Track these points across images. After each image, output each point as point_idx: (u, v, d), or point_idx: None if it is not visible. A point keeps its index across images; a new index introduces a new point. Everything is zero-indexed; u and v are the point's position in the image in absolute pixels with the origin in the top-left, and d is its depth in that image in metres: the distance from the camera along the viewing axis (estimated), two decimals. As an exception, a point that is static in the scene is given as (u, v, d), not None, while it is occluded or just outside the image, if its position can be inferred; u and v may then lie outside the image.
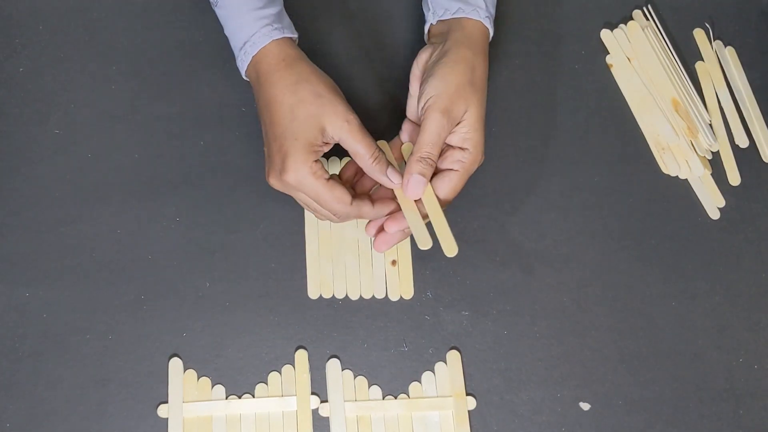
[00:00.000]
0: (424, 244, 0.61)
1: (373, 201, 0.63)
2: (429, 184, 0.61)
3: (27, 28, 0.74)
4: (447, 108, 0.61)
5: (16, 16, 0.75)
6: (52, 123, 0.71)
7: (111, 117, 0.72)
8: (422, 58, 0.66)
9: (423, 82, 0.63)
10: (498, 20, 0.72)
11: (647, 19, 0.77)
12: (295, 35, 0.66)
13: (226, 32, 0.66)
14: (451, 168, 0.62)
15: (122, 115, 0.72)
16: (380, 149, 0.61)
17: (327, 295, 0.68)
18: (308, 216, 0.70)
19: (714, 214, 0.72)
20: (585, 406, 0.66)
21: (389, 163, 0.62)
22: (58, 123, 0.71)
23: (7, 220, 0.68)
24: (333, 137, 0.61)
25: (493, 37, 0.69)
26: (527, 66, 0.75)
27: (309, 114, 0.60)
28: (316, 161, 0.60)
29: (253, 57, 0.63)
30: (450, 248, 0.61)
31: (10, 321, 0.66)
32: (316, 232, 0.69)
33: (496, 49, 0.75)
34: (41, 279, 0.67)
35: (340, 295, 0.68)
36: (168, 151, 0.71)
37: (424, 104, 0.62)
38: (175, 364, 0.65)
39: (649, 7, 0.77)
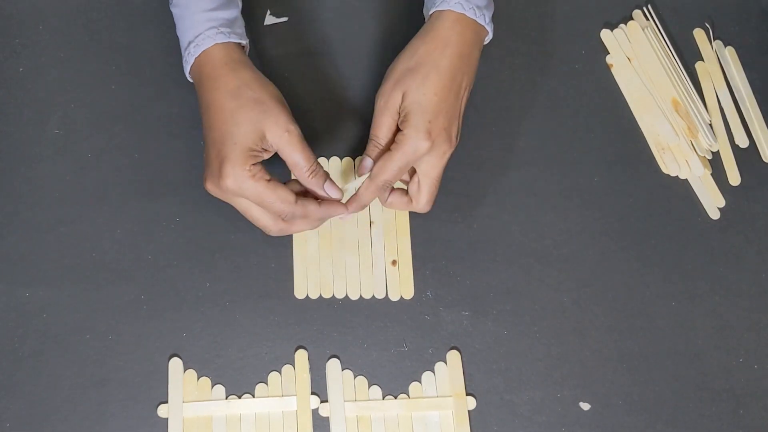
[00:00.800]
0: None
1: (319, 201, 0.62)
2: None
3: (27, 28, 0.74)
4: (382, 92, 0.63)
5: (16, 16, 0.75)
6: (52, 123, 0.71)
7: (111, 117, 0.72)
8: None
9: None
10: (498, 20, 0.72)
11: (647, 19, 0.77)
12: (245, 41, 0.65)
13: (177, 31, 0.66)
14: (390, 148, 0.62)
15: (122, 115, 0.72)
16: (318, 163, 0.62)
17: (327, 295, 0.68)
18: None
19: (714, 214, 0.72)
20: (585, 406, 0.66)
21: (327, 177, 0.62)
22: (58, 123, 0.71)
23: (7, 220, 0.68)
24: (272, 145, 0.60)
25: (493, 38, 0.69)
26: (527, 66, 0.75)
27: (249, 119, 0.59)
28: (254, 164, 0.59)
29: (196, 58, 0.63)
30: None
31: (10, 321, 0.66)
32: (315, 233, 0.69)
33: (496, 49, 0.75)
34: (41, 279, 0.67)
35: (340, 295, 0.68)
36: (168, 151, 0.71)
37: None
38: (175, 364, 0.65)
39: (649, 7, 0.77)
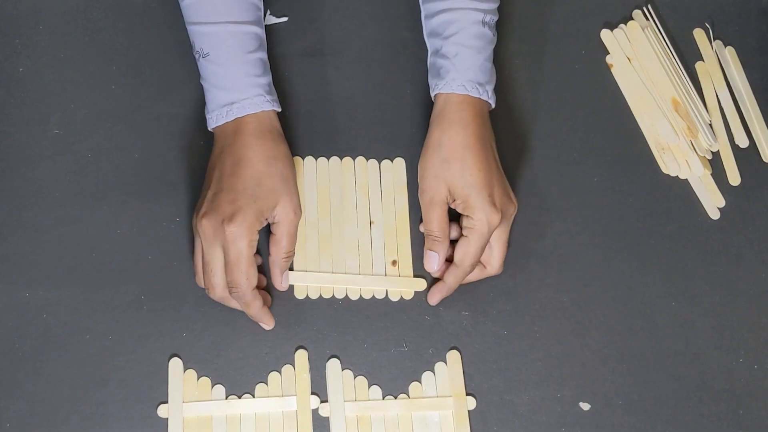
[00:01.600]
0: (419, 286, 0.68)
1: (266, 302, 0.65)
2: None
3: (27, 28, 0.74)
4: (424, 190, 0.66)
5: (16, 16, 0.75)
6: (52, 123, 0.71)
7: (111, 117, 0.72)
8: None
9: None
10: (498, 20, 0.72)
11: (647, 19, 0.77)
12: (279, 108, 0.67)
13: (208, 84, 0.67)
14: (464, 234, 0.65)
15: (122, 115, 0.72)
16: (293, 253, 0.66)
17: (327, 295, 0.68)
18: (308, 215, 0.70)
19: (714, 214, 0.72)
20: (585, 406, 0.66)
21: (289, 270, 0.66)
22: (58, 123, 0.71)
23: (7, 220, 0.68)
24: (275, 218, 0.63)
25: (493, 37, 0.69)
26: (527, 66, 0.75)
27: (273, 188, 0.63)
28: (257, 232, 0.62)
29: (237, 118, 0.65)
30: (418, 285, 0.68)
31: (10, 321, 0.66)
32: (315, 233, 0.70)
33: (496, 49, 0.75)
34: (41, 279, 0.67)
35: (340, 295, 0.68)
36: (168, 151, 0.71)
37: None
38: (175, 364, 0.65)
39: (649, 7, 0.77)
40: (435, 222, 0.65)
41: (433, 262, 0.66)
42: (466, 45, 0.66)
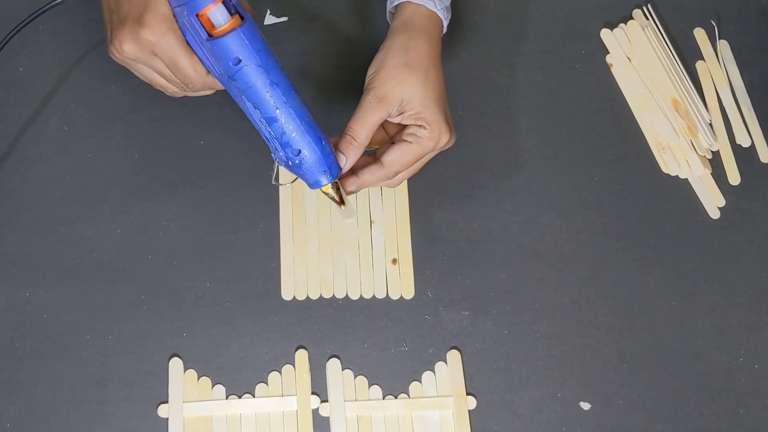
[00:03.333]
0: (349, 216, 0.62)
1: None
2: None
3: (27, 28, 0.74)
4: (376, 87, 0.61)
5: (16, 16, 0.75)
6: (52, 123, 0.71)
7: (111, 117, 0.72)
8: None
9: None
10: (498, 20, 0.72)
11: (647, 18, 0.77)
12: None
13: None
14: (405, 139, 0.62)
15: (122, 115, 0.72)
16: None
17: (327, 295, 0.68)
18: (308, 215, 0.70)
19: (714, 214, 0.72)
20: (585, 406, 0.66)
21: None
22: (58, 123, 0.71)
23: (7, 220, 0.68)
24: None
25: (493, 37, 0.69)
26: (527, 66, 0.75)
27: None
28: (174, 20, 0.56)
29: None
30: (349, 214, 0.62)
31: (10, 321, 0.66)
32: (315, 233, 0.70)
33: (496, 49, 0.75)
34: (41, 279, 0.67)
35: (340, 295, 0.68)
36: (168, 151, 0.71)
37: (364, 87, 0.62)
38: (175, 364, 0.65)
39: (649, 6, 0.77)
40: (366, 125, 0.60)
41: (340, 163, 0.60)
42: None
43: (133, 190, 0.70)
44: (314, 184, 0.59)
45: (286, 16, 0.76)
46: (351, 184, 0.61)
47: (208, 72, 0.58)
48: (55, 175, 0.70)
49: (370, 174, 0.61)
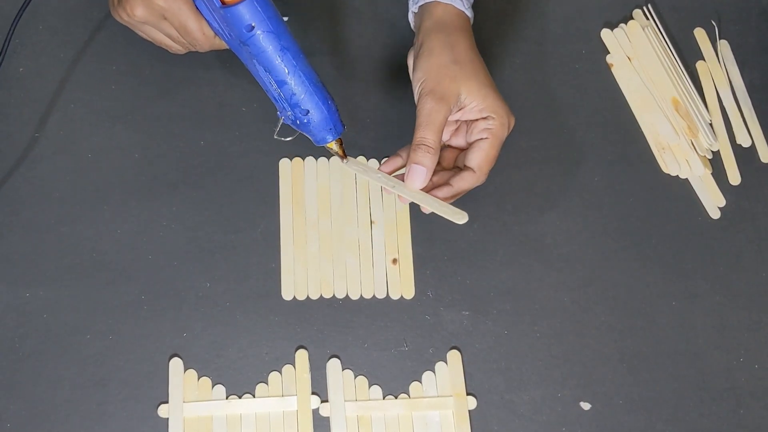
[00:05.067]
0: (460, 218, 0.60)
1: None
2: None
3: (27, 28, 0.74)
4: (433, 89, 0.61)
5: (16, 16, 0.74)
6: (52, 123, 0.71)
7: (111, 117, 0.72)
8: (410, 58, 0.66)
9: (412, 80, 0.64)
10: (498, 20, 0.72)
11: (647, 18, 0.77)
12: None
13: None
14: (480, 137, 0.61)
15: (122, 115, 0.72)
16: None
17: (327, 295, 0.68)
18: (308, 215, 0.70)
19: (714, 214, 0.72)
20: (585, 406, 0.66)
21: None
22: (58, 123, 0.71)
23: (7, 220, 0.68)
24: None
25: (493, 37, 0.70)
26: (527, 66, 0.75)
27: None
28: None
29: None
30: (460, 217, 0.59)
31: (10, 321, 0.66)
32: (315, 232, 0.70)
33: (496, 49, 0.75)
34: (41, 279, 0.67)
35: (340, 295, 0.68)
36: (168, 151, 0.71)
37: (416, 96, 0.62)
38: (176, 364, 0.65)
39: (650, 6, 0.77)
40: (435, 127, 0.59)
41: (420, 177, 0.59)
42: None
43: (133, 190, 0.70)
44: (320, 141, 0.62)
45: (286, 16, 0.76)
46: (442, 192, 0.60)
47: (216, 35, 0.60)
48: (55, 175, 0.70)
49: (464, 181, 0.61)
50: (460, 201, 0.62)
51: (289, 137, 0.64)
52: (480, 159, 0.61)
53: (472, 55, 0.63)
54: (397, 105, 0.73)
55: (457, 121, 0.64)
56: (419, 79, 0.62)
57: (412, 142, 0.60)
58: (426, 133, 0.59)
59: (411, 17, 0.70)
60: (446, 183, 0.61)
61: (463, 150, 0.64)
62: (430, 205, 0.60)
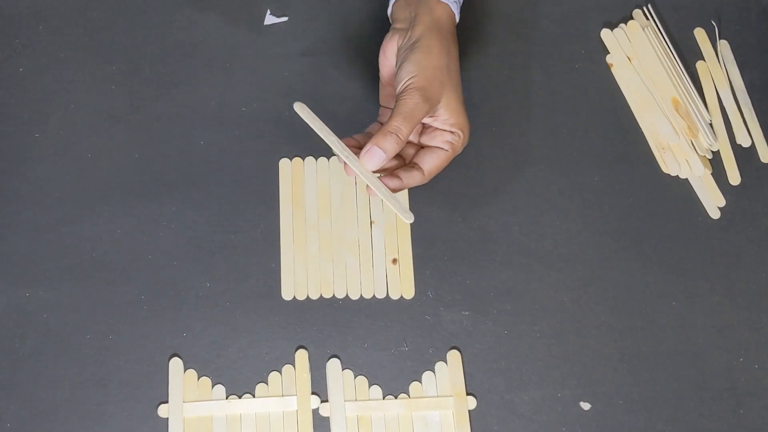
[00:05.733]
0: (408, 217, 0.61)
1: None
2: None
3: (27, 28, 0.74)
4: (424, 87, 0.61)
5: (16, 16, 0.75)
6: (52, 123, 0.71)
7: (111, 117, 0.72)
8: (390, 45, 0.66)
9: (398, 68, 0.64)
10: (498, 20, 0.72)
11: (647, 18, 0.77)
12: None
13: None
14: (439, 146, 0.64)
15: (122, 115, 0.72)
16: None
17: (327, 295, 0.68)
18: (308, 215, 0.70)
19: (714, 214, 0.72)
20: (585, 406, 0.66)
21: None
22: (58, 123, 0.71)
23: (7, 220, 0.68)
24: None
25: (493, 37, 0.70)
26: (527, 66, 0.75)
27: None
28: None
29: None
30: (408, 216, 0.61)
31: (10, 321, 0.66)
32: (315, 233, 0.70)
33: (496, 49, 0.75)
34: (41, 279, 0.67)
35: (340, 295, 0.68)
36: (168, 151, 0.71)
37: (402, 86, 0.62)
38: (175, 364, 0.65)
39: (650, 6, 0.77)
40: (412, 122, 0.61)
41: (377, 160, 0.60)
42: None
43: (133, 190, 0.70)
44: None
45: (286, 16, 0.76)
46: (393, 182, 0.62)
47: None
48: (55, 175, 0.70)
49: (412, 179, 0.63)
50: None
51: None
52: (432, 165, 0.63)
53: (457, 67, 0.65)
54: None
55: (425, 123, 0.65)
56: (410, 72, 0.62)
57: (385, 126, 0.60)
58: (403, 125, 0.60)
59: (390, 7, 0.69)
60: (395, 175, 0.62)
61: (418, 149, 0.65)
62: (379, 190, 0.61)
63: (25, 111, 0.72)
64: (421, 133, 0.66)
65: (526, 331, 0.68)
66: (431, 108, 0.62)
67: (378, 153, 0.60)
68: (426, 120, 0.64)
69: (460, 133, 0.64)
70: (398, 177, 0.62)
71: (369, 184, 0.61)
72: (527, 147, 0.73)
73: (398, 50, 0.65)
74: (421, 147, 0.66)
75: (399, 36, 0.66)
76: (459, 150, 0.65)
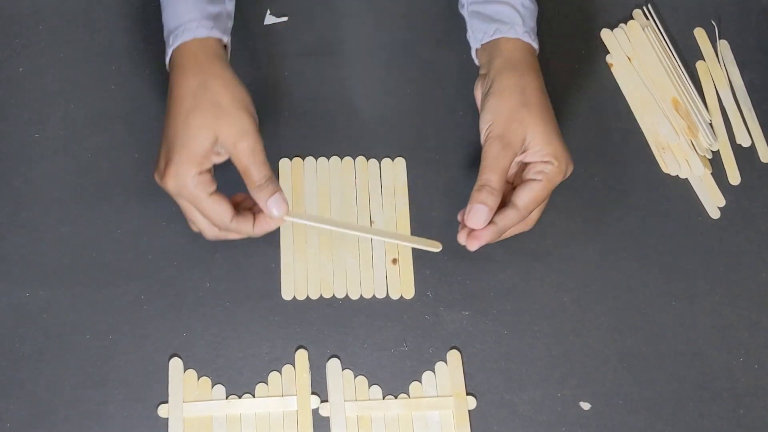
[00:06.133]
0: (434, 247, 0.65)
1: (255, 217, 0.61)
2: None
3: (27, 28, 0.74)
4: (501, 134, 0.62)
5: (16, 16, 0.75)
6: (52, 123, 0.71)
7: (111, 117, 0.72)
8: (478, 91, 0.68)
9: (480, 118, 0.64)
10: (498, 20, 0.72)
11: (647, 18, 0.77)
12: (226, 38, 0.64)
13: (163, 19, 0.65)
14: (533, 178, 0.62)
15: (122, 115, 0.72)
16: (272, 177, 0.59)
17: (327, 295, 0.68)
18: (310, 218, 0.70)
19: (714, 214, 0.72)
20: (585, 406, 0.66)
21: (276, 192, 0.59)
22: (58, 123, 0.71)
23: (7, 220, 0.68)
24: (221, 152, 0.59)
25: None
26: (527, 66, 0.75)
27: (202, 124, 0.58)
28: (201, 172, 0.58)
29: (173, 50, 0.62)
30: (433, 246, 0.65)
31: (10, 321, 0.66)
32: (315, 233, 0.70)
33: (496, 49, 0.75)
34: (41, 279, 0.67)
35: (340, 295, 0.68)
36: (168, 151, 0.71)
37: (483, 137, 0.63)
38: (175, 364, 0.65)
39: (650, 6, 0.77)
40: (500, 170, 0.61)
41: (481, 216, 0.60)
42: (525, 4, 0.67)
43: (133, 190, 0.70)
44: None
45: (286, 16, 0.76)
46: (490, 232, 0.61)
47: (233, 219, 0.59)
48: (55, 175, 0.70)
49: (506, 219, 0.62)
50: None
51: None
52: (527, 198, 0.62)
53: (540, 97, 0.64)
54: (396, 105, 0.73)
55: (519, 162, 0.64)
56: (488, 121, 0.63)
57: (477, 182, 0.61)
58: (491, 176, 0.61)
59: (474, 54, 0.70)
60: (491, 221, 0.61)
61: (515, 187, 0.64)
62: (403, 240, 0.65)
63: (25, 111, 0.72)
64: (523, 173, 0.65)
65: (526, 331, 0.68)
66: (515, 150, 0.62)
67: (481, 209, 0.60)
68: (519, 158, 0.63)
69: (554, 161, 0.62)
70: (492, 222, 0.62)
71: (397, 242, 0.63)
72: (527, 147, 0.73)
73: (481, 98, 0.66)
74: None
75: (480, 82, 0.67)
76: (557, 178, 0.62)
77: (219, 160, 0.60)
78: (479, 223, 0.61)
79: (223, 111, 0.58)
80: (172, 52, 0.62)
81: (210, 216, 0.59)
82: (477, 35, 0.68)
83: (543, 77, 0.66)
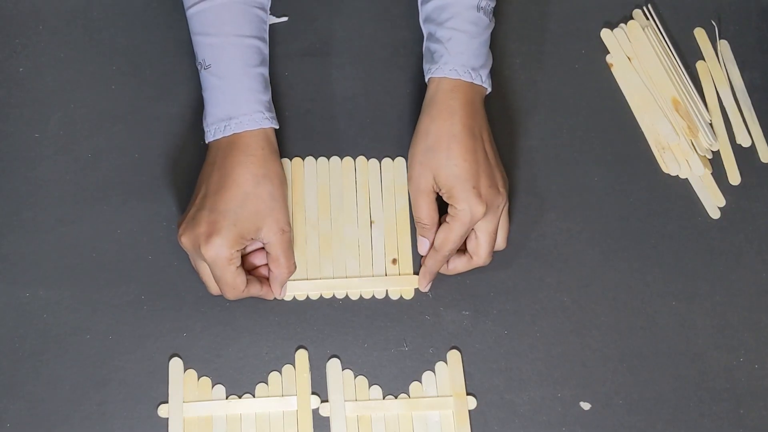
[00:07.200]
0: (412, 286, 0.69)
1: (262, 281, 0.66)
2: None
3: (27, 28, 0.74)
4: (411, 177, 0.66)
5: (16, 16, 0.75)
6: (52, 123, 0.71)
7: (111, 117, 0.72)
8: None
9: None
10: (498, 20, 0.72)
11: (647, 18, 0.77)
12: (278, 126, 0.67)
13: (208, 95, 0.67)
14: (446, 219, 0.65)
15: (122, 115, 0.72)
16: (294, 266, 0.65)
17: (327, 295, 0.68)
18: (308, 215, 0.70)
19: (714, 214, 0.72)
20: (585, 406, 0.66)
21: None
22: (58, 123, 0.71)
23: (7, 220, 0.68)
24: (263, 239, 0.63)
25: (493, 37, 0.69)
26: (527, 66, 0.75)
27: (257, 210, 0.62)
28: (238, 250, 0.62)
29: (234, 133, 0.65)
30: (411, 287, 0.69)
31: (10, 321, 0.66)
32: (315, 233, 0.70)
33: (496, 49, 0.75)
34: (41, 279, 0.67)
35: (340, 295, 0.68)
36: (168, 151, 0.71)
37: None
38: (175, 364, 0.65)
39: (650, 6, 0.77)
40: (423, 210, 0.65)
41: (423, 248, 0.67)
42: (460, 30, 0.66)
43: (133, 190, 0.70)
44: None
45: (286, 16, 0.76)
46: (422, 273, 0.67)
47: (245, 289, 0.63)
48: (55, 175, 0.70)
49: (430, 259, 0.66)
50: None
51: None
52: (440, 239, 0.65)
53: (448, 140, 0.64)
54: (396, 105, 0.73)
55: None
56: (407, 163, 0.68)
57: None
58: (417, 213, 0.66)
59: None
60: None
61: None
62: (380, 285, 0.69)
63: (25, 111, 0.72)
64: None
65: (526, 331, 0.68)
66: (427, 190, 0.65)
67: (422, 240, 0.67)
68: (445, 197, 0.65)
69: (457, 204, 0.63)
70: (422, 263, 0.67)
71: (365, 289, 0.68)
72: (527, 147, 0.73)
73: None
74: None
75: None
76: (465, 220, 0.63)
77: (251, 246, 0.65)
78: (423, 252, 0.67)
79: (276, 204, 0.63)
80: (232, 133, 0.65)
81: (226, 284, 0.62)
82: (425, 66, 0.69)
83: (477, 106, 0.67)
